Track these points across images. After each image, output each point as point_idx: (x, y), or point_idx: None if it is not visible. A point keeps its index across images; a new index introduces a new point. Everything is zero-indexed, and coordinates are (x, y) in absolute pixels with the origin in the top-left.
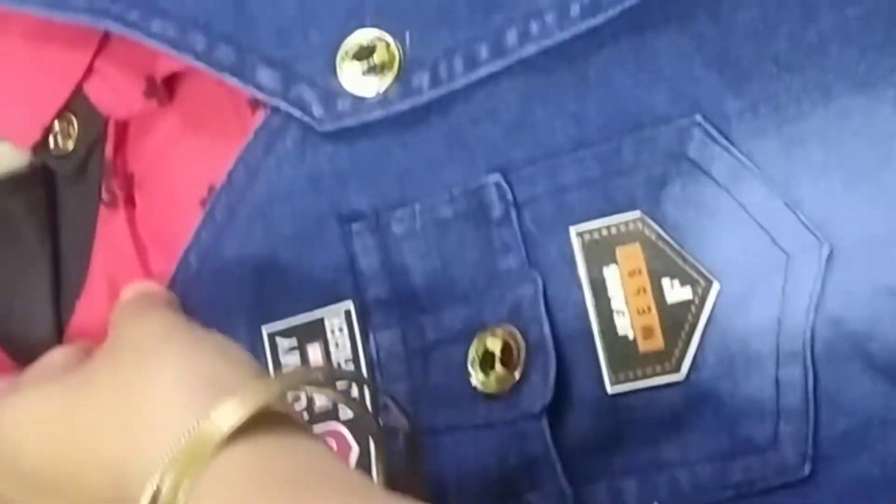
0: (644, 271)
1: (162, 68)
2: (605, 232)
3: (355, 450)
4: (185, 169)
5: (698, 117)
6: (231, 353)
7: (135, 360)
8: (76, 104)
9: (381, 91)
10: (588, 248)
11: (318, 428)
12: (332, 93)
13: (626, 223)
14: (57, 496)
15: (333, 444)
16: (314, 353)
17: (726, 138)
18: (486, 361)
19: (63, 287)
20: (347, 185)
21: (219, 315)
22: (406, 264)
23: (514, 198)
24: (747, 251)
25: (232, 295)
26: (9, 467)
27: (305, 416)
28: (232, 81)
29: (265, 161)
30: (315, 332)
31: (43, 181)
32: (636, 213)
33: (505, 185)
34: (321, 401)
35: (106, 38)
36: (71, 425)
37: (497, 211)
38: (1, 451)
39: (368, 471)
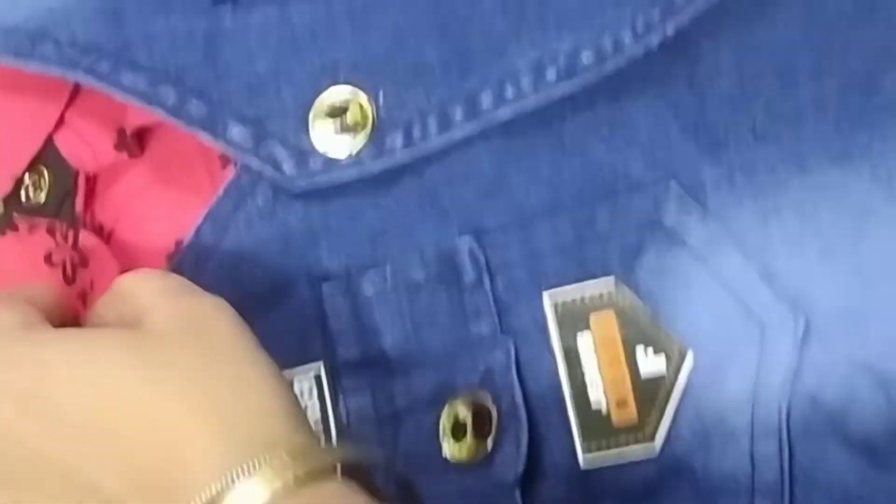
0: (618, 340)
1: (133, 120)
2: (578, 299)
3: None
4: (153, 222)
5: (674, 184)
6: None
7: (233, 352)
8: (47, 156)
9: (353, 151)
10: (562, 315)
11: None
12: (304, 151)
13: (601, 290)
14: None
15: None
16: None
17: (702, 206)
18: (458, 429)
19: None
20: (319, 245)
21: None
22: (377, 326)
23: (487, 262)
24: (722, 322)
25: None
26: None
27: None
28: (203, 136)
29: (235, 218)
30: None
31: None
32: (610, 280)
33: (478, 249)
34: None
35: (77, 89)
36: (140, 382)
37: (469, 275)
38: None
39: None
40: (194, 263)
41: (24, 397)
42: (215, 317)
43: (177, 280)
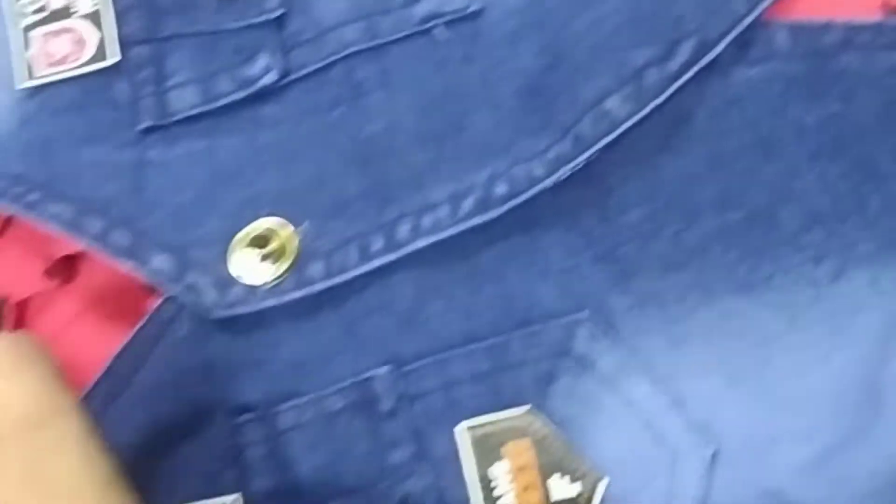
0: (533, 467)
1: (61, 249)
2: (493, 427)
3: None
4: (84, 349)
5: (585, 313)
6: None
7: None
8: None
9: (275, 278)
10: (477, 443)
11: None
12: (225, 280)
13: (515, 418)
14: None
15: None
16: None
17: (612, 334)
18: None
19: None
20: (239, 376)
21: None
22: (293, 458)
23: (405, 390)
24: (633, 448)
25: None
26: None
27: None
28: (127, 265)
29: (155, 349)
30: None
31: None
32: (524, 409)
33: (395, 378)
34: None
35: (8, 218)
36: None
37: (386, 403)
38: None
39: None
40: (106, 393)
41: None
42: (58, 455)
43: (32, 395)
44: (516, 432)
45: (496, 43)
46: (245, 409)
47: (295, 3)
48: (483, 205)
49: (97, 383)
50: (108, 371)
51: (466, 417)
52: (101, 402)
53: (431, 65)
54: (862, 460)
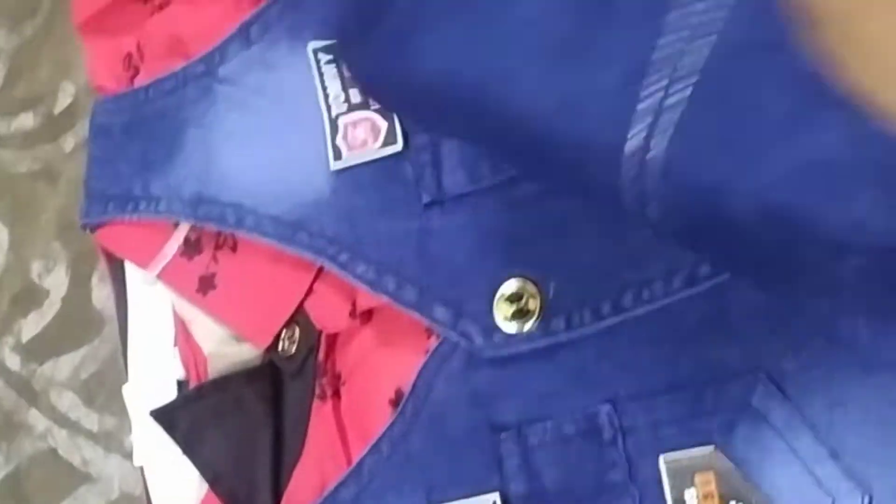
0: (715, 495)
1: (363, 298)
2: (686, 461)
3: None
4: (378, 375)
5: (762, 373)
6: None
7: None
8: (299, 316)
9: (527, 329)
10: (672, 473)
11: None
12: (490, 328)
13: (704, 455)
14: None
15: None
16: None
17: (782, 392)
18: None
19: (282, 462)
20: (499, 402)
21: (401, 492)
22: (539, 468)
23: (621, 425)
24: (798, 489)
25: (412, 477)
26: None
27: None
28: (414, 315)
29: (437, 378)
30: None
31: (271, 375)
32: (711, 448)
33: (614, 414)
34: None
35: (321, 268)
36: None
37: (607, 434)
38: None
39: None
40: (413, 410)
41: None
42: None
43: None
44: (704, 466)
45: None
46: (504, 428)
47: None
48: (689, 281)
49: (406, 400)
50: (412, 392)
51: (665, 452)
52: (410, 414)
53: None
54: None
